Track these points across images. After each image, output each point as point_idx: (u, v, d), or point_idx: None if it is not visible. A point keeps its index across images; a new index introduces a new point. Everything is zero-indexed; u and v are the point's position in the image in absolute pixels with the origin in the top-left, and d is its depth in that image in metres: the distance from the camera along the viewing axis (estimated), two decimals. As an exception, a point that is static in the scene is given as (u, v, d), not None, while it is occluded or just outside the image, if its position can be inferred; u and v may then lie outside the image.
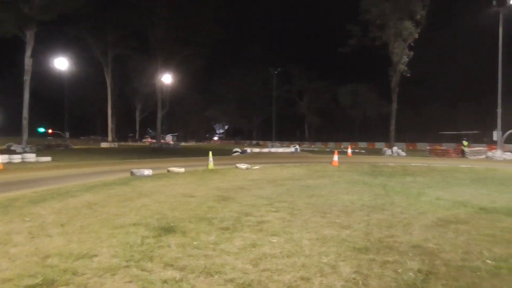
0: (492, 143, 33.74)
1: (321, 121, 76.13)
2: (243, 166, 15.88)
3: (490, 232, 5.63)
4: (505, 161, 26.42)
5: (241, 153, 30.44)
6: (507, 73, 31.01)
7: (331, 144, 62.41)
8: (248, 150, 32.42)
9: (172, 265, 4.02)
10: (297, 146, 38.28)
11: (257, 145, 50.95)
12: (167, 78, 50.31)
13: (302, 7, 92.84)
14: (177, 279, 3.67)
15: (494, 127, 31.53)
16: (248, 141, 74.87)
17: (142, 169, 12.96)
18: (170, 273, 3.80)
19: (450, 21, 60.65)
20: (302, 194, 9.20)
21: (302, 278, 3.67)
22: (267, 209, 7.22)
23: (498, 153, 29.04)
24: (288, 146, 40.76)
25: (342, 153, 28.78)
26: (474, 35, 48.55)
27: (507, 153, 29.32)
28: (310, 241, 5.03)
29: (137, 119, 77.26)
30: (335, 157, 18.73)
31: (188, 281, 3.62)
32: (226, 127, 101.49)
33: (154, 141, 59.88)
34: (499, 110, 30.82)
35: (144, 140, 77.94)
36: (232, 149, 32.22)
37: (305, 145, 58.41)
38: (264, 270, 3.91)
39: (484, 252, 4.62)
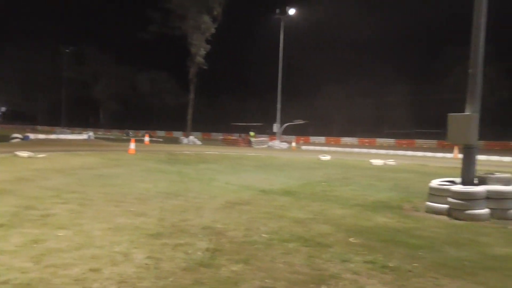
0: (272, 134, 38.77)
1: (118, 107, 72.89)
2: (24, 154, 13.94)
3: (267, 210, 6.52)
4: (282, 150, 30.77)
5: (22, 139, 26.57)
6: (286, 74, 36.12)
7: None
8: (31, 136, 28.57)
9: None
10: (91, 133, 35.80)
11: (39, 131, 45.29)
12: None
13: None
14: None
15: (274, 120, 36.34)
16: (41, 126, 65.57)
17: None
18: None
19: (243, 22, 66.40)
20: (95, 184, 8.72)
21: (91, 270, 3.51)
22: (54, 201, 6.57)
23: (277, 143, 33.61)
24: (81, 133, 37.74)
25: (140, 141, 28.38)
26: (261, 37, 54.49)
27: (284, 143, 34.22)
28: (102, 231, 4.84)
29: None
30: (132, 145, 18.34)
31: None
32: (4, 109, 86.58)
33: None
34: (278, 106, 35.65)
35: None
36: (11, 135, 27.80)
37: (100, 132, 55.12)
38: (48, 266, 3.57)
39: (261, 227, 5.33)
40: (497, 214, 6.27)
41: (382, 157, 20.58)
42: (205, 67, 36.76)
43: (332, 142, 47.07)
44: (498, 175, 6.91)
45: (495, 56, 40.58)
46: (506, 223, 6.01)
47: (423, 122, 46.30)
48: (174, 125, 59.45)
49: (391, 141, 46.34)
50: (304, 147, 33.66)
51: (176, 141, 36.94)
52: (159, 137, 47.84)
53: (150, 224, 5.30)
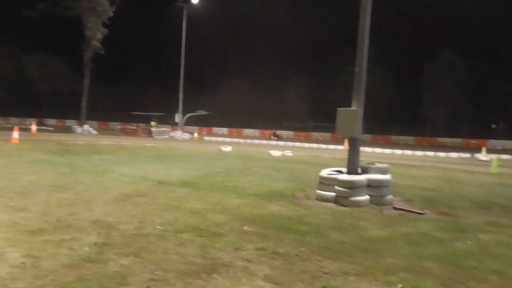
0: (174, 125, 38.07)
1: (1, 92, 65.07)
2: None
3: (163, 202, 6.39)
4: (184, 140, 30.43)
5: None
6: (189, 63, 35.64)
7: (14, 120, 54.83)
8: None
9: None
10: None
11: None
12: None
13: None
14: None
15: (176, 110, 35.70)
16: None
17: None
18: None
19: (145, 7, 63.77)
20: (-33, 177, 7.73)
21: (-47, 275, 3.11)
22: None
23: (179, 134, 33.12)
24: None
25: (26, 129, 25.79)
26: (164, 24, 52.97)
27: (186, 133, 33.85)
28: (-29, 230, 4.31)
29: None
30: (15, 134, 16.58)
31: None
32: None
33: None
34: (180, 95, 35.07)
35: None
36: None
37: (-22, 119, 48.95)
38: None
39: (155, 219, 5.21)
40: (376, 200, 6.95)
41: (280, 149, 21.49)
42: (102, 52, 34.62)
43: (235, 134, 47.85)
44: (377, 165, 7.63)
45: (382, 58, 44.85)
46: (382, 208, 6.69)
47: (319, 116, 49.31)
48: (67, 113, 55.16)
49: (290, 133, 48.54)
50: (206, 138, 33.67)
51: (69, 130, 34.31)
52: (50, 125, 43.96)
53: (32, 219, 4.86)
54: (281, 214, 6.02)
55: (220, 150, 18.83)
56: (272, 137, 39.29)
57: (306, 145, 29.24)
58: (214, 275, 3.45)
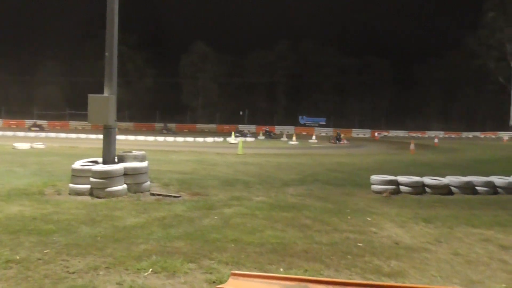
0: None
1: None
2: None
3: None
4: None
5: None
6: None
7: None
8: None
9: None
10: None
11: None
12: None
13: None
14: None
15: None
16: None
17: None
18: None
19: None
20: None
21: None
22: None
23: None
24: None
25: None
26: None
27: None
28: None
29: None
30: None
31: None
32: None
33: None
34: None
35: None
36: None
37: None
38: None
39: None
40: (134, 188, 6.90)
41: (30, 140, 18.92)
42: None
43: (-32, 125, 39.44)
44: (134, 152, 7.57)
45: (142, 45, 44.85)
46: (139, 196, 6.70)
47: (78, 103, 45.58)
48: None
49: (43, 122, 43.30)
50: None
51: None
52: None
53: None
54: (23, 215, 5.27)
55: None
56: (32, 128, 34.29)
57: (63, 135, 26.68)
58: None
